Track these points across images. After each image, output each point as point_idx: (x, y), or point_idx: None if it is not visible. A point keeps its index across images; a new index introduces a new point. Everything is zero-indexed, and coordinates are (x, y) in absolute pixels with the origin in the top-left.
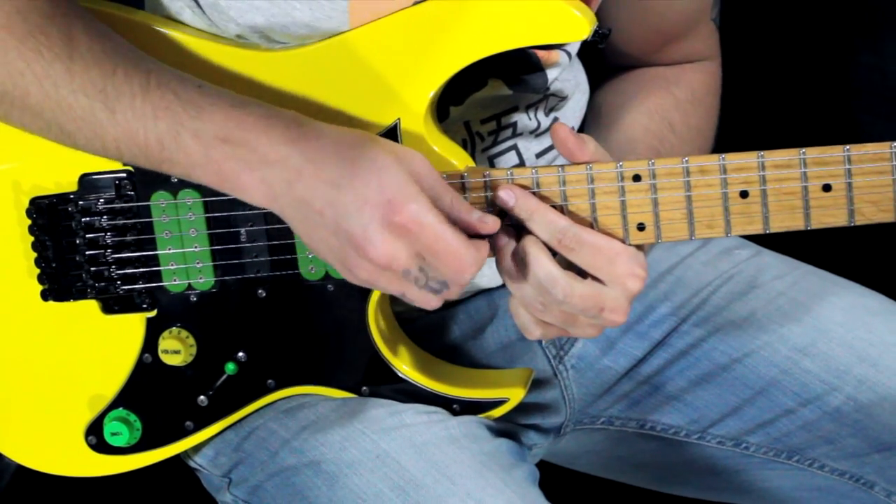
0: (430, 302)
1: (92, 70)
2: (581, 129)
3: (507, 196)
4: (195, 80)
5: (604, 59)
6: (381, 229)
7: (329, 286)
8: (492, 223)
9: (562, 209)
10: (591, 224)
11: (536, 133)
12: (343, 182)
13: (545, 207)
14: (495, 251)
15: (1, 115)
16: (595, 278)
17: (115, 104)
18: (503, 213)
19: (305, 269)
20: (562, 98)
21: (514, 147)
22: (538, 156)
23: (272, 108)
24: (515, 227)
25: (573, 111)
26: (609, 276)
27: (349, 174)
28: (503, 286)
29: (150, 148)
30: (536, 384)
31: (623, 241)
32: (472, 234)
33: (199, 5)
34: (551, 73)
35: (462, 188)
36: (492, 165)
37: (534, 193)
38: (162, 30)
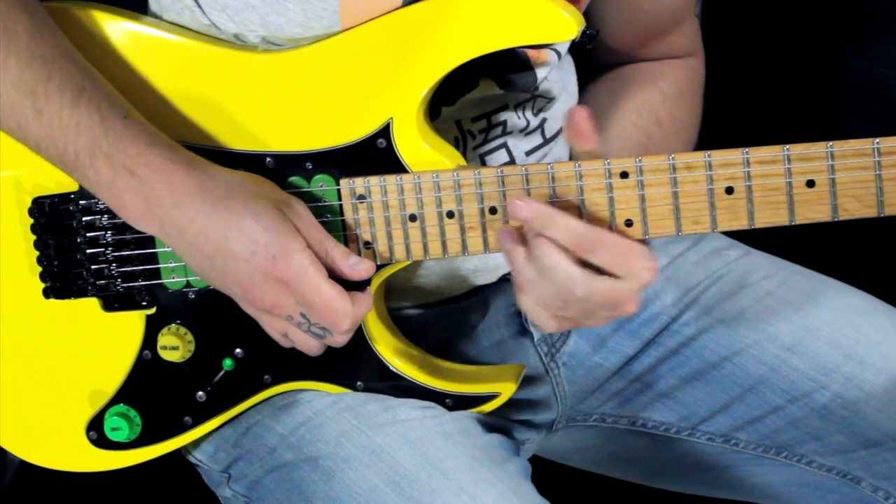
0: (312, 347)
1: (26, 70)
2: None
3: (521, 209)
4: (123, 108)
5: (591, 57)
6: (265, 281)
7: None
8: (364, 270)
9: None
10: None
11: (526, 132)
12: (231, 235)
13: (561, 214)
14: (510, 256)
15: None
16: (611, 274)
17: (43, 107)
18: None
19: None
20: (549, 98)
21: (504, 145)
22: (528, 153)
23: (178, 150)
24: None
25: (560, 112)
26: (626, 272)
27: (237, 228)
28: (495, 283)
29: (67, 156)
30: (528, 381)
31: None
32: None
33: (198, 5)
34: (540, 73)
35: (455, 186)
36: (483, 163)
37: (527, 193)
38: (162, 34)
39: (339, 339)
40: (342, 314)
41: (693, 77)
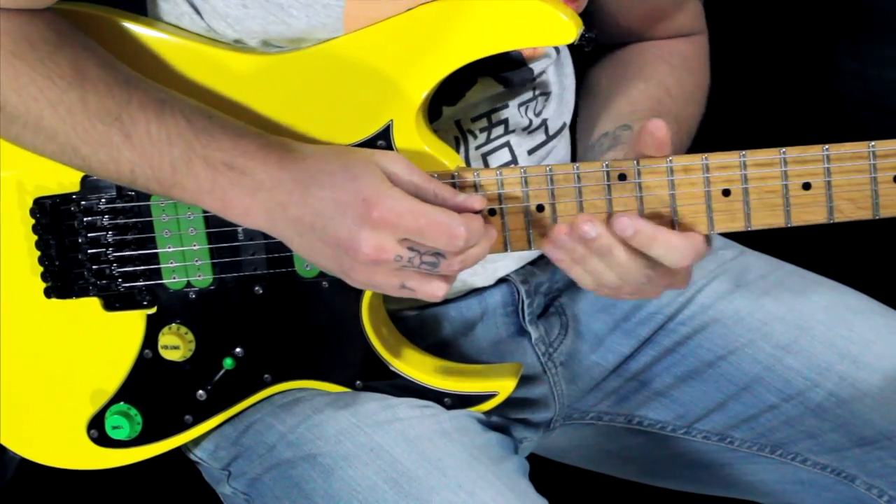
0: (432, 288)
1: (106, 99)
2: (577, 106)
3: (625, 226)
4: (204, 109)
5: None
6: (363, 227)
7: (324, 283)
8: (478, 201)
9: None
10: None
11: (529, 129)
12: (325, 194)
13: (663, 231)
14: (566, 248)
15: (12, 136)
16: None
17: (130, 130)
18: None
19: (301, 266)
20: (547, 94)
21: (507, 144)
22: (530, 152)
23: (266, 135)
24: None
25: (562, 109)
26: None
27: (329, 186)
28: (494, 286)
29: (163, 171)
30: (526, 380)
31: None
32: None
33: (197, 12)
34: (537, 67)
35: (455, 188)
36: (485, 162)
37: (525, 195)
38: (160, 34)
39: (454, 265)
40: (454, 223)
41: (699, 52)
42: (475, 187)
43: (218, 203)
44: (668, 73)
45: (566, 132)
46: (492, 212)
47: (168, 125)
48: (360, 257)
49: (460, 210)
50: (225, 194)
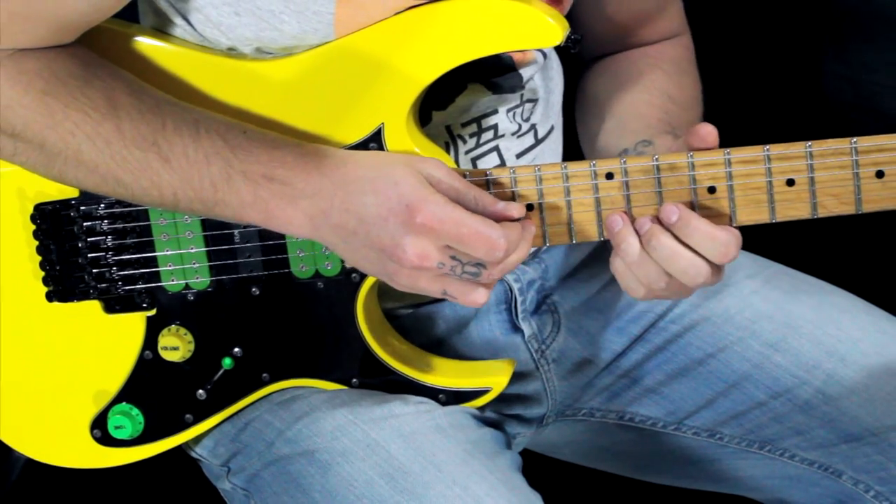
0: (474, 296)
1: (141, 126)
2: (573, 115)
3: (670, 213)
4: (239, 125)
5: (581, 54)
6: (406, 233)
7: (319, 284)
8: (516, 210)
9: (539, 206)
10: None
11: (518, 134)
12: (368, 200)
13: (705, 223)
14: (618, 240)
15: (56, 174)
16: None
17: (168, 154)
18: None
19: (296, 267)
20: (535, 100)
21: (496, 148)
22: (518, 156)
23: (302, 144)
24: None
25: (549, 113)
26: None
27: (371, 192)
28: None
29: (205, 191)
30: (519, 377)
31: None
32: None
33: (189, 23)
34: (525, 73)
35: (492, 196)
36: (474, 166)
37: (514, 195)
38: (155, 42)
39: (494, 274)
40: (496, 236)
41: (688, 53)
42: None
43: (261, 215)
44: (667, 80)
45: (554, 135)
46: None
47: (205, 145)
48: (404, 263)
49: (499, 218)
50: (267, 206)
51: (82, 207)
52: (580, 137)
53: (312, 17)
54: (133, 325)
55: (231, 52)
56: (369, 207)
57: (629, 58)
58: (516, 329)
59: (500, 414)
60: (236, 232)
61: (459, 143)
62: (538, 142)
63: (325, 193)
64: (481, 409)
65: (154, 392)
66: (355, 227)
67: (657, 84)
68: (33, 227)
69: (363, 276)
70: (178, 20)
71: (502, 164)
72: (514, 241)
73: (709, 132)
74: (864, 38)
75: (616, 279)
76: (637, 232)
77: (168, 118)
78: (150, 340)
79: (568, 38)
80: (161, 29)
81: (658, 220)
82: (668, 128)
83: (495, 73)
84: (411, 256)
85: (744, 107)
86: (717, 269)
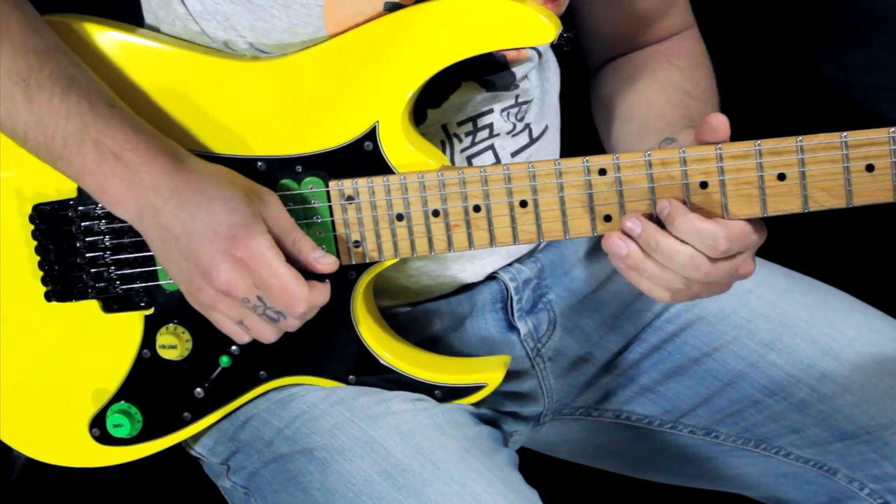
0: (267, 334)
1: (19, 60)
2: (566, 120)
3: (662, 207)
4: (110, 98)
5: (589, 55)
6: (224, 260)
7: None
8: (328, 264)
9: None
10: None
11: (513, 133)
12: (199, 215)
13: (692, 217)
14: (625, 261)
15: None
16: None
17: (34, 95)
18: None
19: None
20: (529, 100)
21: (491, 147)
22: (513, 154)
23: (163, 139)
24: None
25: (545, 112)
26: (744, 248)
27: (205, 209)
28: (482, 282)
29: (54, 142)
30: (515, 375)
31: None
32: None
33: (190, 15)
34: (519, 71)
35: (440, 185)
36: (469, 164)
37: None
38: (154, 44)
39: (292, 324)
40: (298, 297)
41: (698, 44)
42: (461, 184)
43: (96, 186)
44: (681, 75)
45: (549, 135)
46: (476, 208)
47: (70, 101)
48: (213, 284)
49: (308, 269)
50: (105, 180)
51: (80, 208)
52: (603, 141)
53: (301, 10)
54: (131, 324)
55: (227, 53)
56: (198, 223)
57: (642, 57)
58: (512, 327)
59: (497, 412)
60: None
61: (455, 141)
62: (533, 141)
63: (162, 192)
64: (478, 406)
65: (152, 390)
66: (178, 234)
67: (673, 81)
68: (32, 227)
69: (359, 274)
70: (181, 11)
71: (497, 161)
72: (315, 305)
73: (720, 122)
74: (860, 40)
75: (614, 278)
76: (629, 236)
77: (50, 64)
78: (148, 339)
79: (561, 36)
80: (164, 24)
81: (651, 218)
82: (689, 122)
83: (488, 71)
84: (222, 282)
85: (739, 107)
86: (713, 261)
